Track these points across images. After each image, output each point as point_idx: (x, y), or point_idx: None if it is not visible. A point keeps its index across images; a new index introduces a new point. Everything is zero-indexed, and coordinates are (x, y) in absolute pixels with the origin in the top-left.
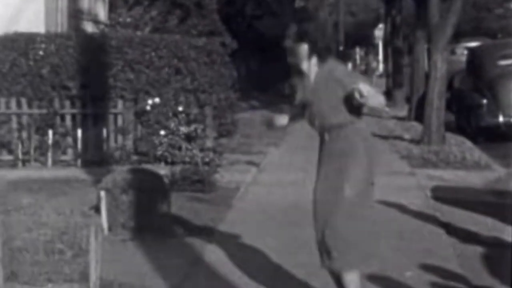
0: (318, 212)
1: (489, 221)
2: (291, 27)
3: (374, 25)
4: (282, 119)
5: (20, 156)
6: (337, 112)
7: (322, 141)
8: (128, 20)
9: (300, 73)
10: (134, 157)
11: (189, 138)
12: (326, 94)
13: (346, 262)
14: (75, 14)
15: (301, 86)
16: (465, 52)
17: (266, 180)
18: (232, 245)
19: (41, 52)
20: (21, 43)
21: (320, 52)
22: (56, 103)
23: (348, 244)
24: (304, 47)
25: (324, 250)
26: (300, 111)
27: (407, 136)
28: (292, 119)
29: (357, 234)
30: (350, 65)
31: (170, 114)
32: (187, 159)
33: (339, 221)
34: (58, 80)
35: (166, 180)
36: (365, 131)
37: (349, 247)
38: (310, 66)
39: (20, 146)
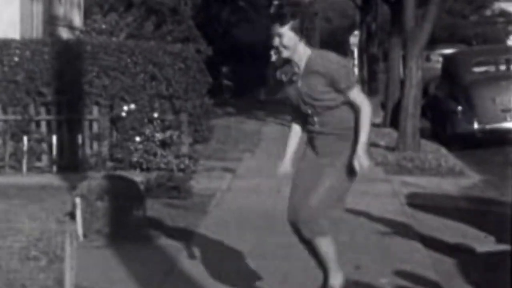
0: (296, 192)
1: (464, 227)
2: (273, 27)
3: (350, 32)
4: (284, 166)
5: None
6: (326, 97)
7: (309, 124)
8: (104, 26)
9: (289, 62)
10: (110, 164)
11: (164, 144)
12: (316, 81)
13: (317, 230)
14: (50, 20)
15: (291, 71)
16: (440, 59)
17: (242, 187)
18: (208, 251)
19: (16, 58)
20: None
21: (307, 32)
22: (31, 109)
23: (319, 215)
24: (290, 33)
25: (297, 222)
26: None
27: (382, 142)
28: (295, 119)
29: (328, 206)
30: None
31: (146, 120)
32: (162, 165)
33: (315, 199)
34: (33, 86)
35: (141, 187)
36: (350, 112)
37: (319, 217)
38: (300, 55)
39: None
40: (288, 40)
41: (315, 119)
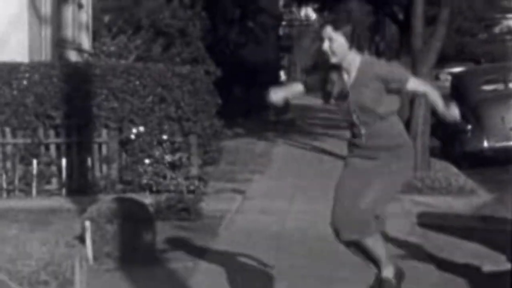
0: (342, 197)
1: (475, 247)
2: (323, 27)
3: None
4: (278, 94)
5: (5, 186)
6: (378, 106)
7: (355, 135)
8: (112, 48)
9: (338, 68)
10: (119, 186)
11: (174, 166)
12: (370, 89)
13: (367, 231)
14: (59, 43)
15: (339, 82)
16: (449, 77)
17: (252, 208)
18: (218, 273)
19: (25, 82)
20: (4, 72)
21: (358, 40)
22: (41, 133)
23: (368, 216)
24: (342, 39)
25: (344, 226)
26: (318, 82)
27: None
28: (309, 87)
29: (375, 209)
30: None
31: (155, 142)
32: (172, 187)
33: (362, 203)
34: (42, 109)
35: (151, 209)
36: (399, 125)
37: (368, 218)
38: (350, 61)
39: (4, 176)
40: (338, 46)
41: (362, 131)
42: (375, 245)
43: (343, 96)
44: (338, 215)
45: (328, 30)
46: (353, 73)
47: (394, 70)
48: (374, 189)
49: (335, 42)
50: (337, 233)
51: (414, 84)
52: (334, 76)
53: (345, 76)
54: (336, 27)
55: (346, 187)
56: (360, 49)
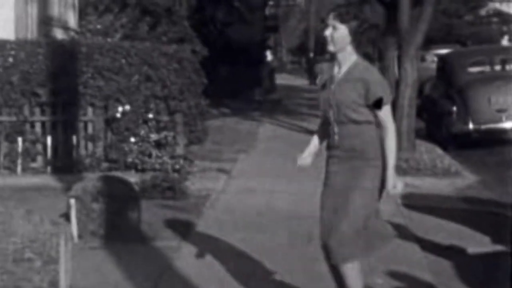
0: (325, 217)
1: (459, 228)
2: (330, 14)
3: None
4: (305, 159)
5: None
6: (355, 108)
7: (329, 136)
8: (98, 27)
9: (333, 60)
10: (104, 164)
11: (159, 145)
12: (352, 88)
13: (346, 256)
14: (45, 21)
15: (329, 72)
16: (436, 59)
17: (237, 188)
18: (203, 252)
19: (10, 59)
20: None
21: (358, 38)
22: (26, 110)
23: (347, 240)
24: (345, 31)
25: (328, 249)
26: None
27: None
28: (321, 137)
29: (356, 232)
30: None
31: (141, 121)
32: (157, 166)
33: (344, 224)
34: (28, 87)
35: (136, 188)
36: (373, 135)
37: (347, 242)
38: (346, 55)
39: None
40: (340, 36)
41: (336, 129)
42: (351, 279)
43: (324, 85)
44: (323, 236)
45: (334, 18)
46: (344, 68)
47: (380, 87)
48: (351, 210)
49: (338, 31)
50: (325, 252)
51: (385, 113)
52: (324, 66)
53: (336, 69)
54: (342, 21)
55: (327, 209)
56: (358, 46)
